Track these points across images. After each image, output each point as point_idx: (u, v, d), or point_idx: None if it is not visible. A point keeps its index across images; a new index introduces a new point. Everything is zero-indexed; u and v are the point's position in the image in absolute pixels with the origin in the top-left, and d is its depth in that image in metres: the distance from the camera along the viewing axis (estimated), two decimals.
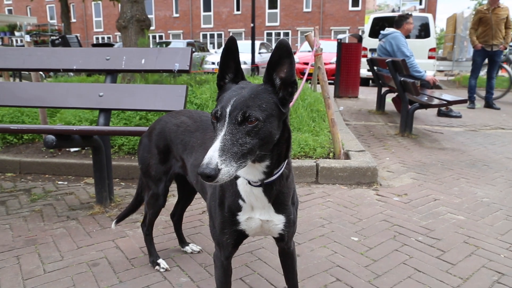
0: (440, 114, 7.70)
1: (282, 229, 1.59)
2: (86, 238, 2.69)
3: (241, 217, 1.54)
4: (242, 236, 1.60)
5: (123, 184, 3.78)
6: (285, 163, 1.45)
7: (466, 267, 2.37)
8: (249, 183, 1.44)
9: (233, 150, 1.19)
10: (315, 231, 2.82)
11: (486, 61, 8.62)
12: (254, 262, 2.40)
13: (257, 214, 1.53)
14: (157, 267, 2.30)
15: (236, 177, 1.47)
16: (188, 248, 2.52)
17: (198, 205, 3.28)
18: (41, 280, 2.18)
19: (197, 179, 1.86)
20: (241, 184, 1.48)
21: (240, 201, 1.52)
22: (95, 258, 2.42)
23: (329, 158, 4.09)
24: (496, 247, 2.60)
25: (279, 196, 1.52)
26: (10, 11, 43.75)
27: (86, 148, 4.30)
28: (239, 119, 1.22)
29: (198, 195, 3.42)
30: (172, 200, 3.15)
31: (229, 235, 1.58)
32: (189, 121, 2.02)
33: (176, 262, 2.39)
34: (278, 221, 1.56)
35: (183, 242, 2.55)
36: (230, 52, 1.39)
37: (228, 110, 1.24)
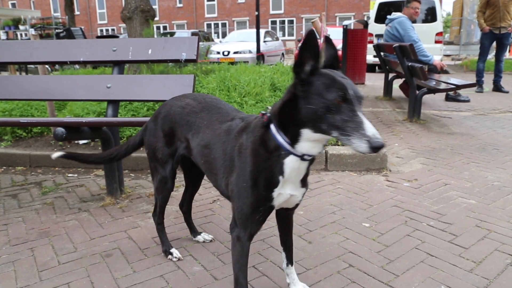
0: (448, 98, 7.64)
1: (300, 200, 1.71)
2: (99, 229, 2.71)
3: (275, 192, 1.60)
4: (271, 211, 1.68)
5: (132, 175, 3.80)
6: None
7: (479, 250, 2.36)
8: (302, 158, 1.51)
9: None
10: (326, 218, 2.83)
11: (494, 44, 8.53)
12: (266, 250, 2.41)
13: (288, 190, 1.61)
14: (170, 256, 2.31)
15: (287, 154, 1.52)
16: (200, 237, 2.53)
17: (208, 195, 3.29)
18: (56, 271, 2.20)
19: (206, 159, 1.89)
20: (290, 162, 1.53)
21: (280, 177, 1.57)
22: (108, 249, 2.44)
23: (338, 145, 4.07)
24: (508, 230, 2.59)
25: (308, 170, 1.63)
26: (13, 5, 43.74)
27: (95, 140, 4.32)
28: (360, 101, 1.38)
29: (208, 185, 3.44)
30: (181, 190, 3.15)
31: (262, 212, 1.63)
32: (194, 103, 2.05)
33: (188, 251, 2.40)
34: (300, 194, 1.68)
35: (194, 231, 2.56)
36: (309, 45, 1.40)
37: (354, 93, 1.36)
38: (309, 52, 1.39)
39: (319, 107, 1.36)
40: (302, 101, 1.40)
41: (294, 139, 1.47)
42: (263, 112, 1.60)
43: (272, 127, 1.53)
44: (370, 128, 1.29)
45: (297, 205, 1.74)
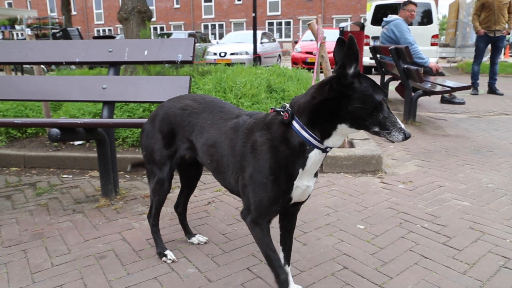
0: (443, 101, 7.67)
1: (311, 191, 1.79)
2: (93, 231, 2.70)
3: (294, 185, 1.68)
4: (289, 202, 1.74)
5: (127, 176, 3.79)
6: None
7: (472, 252, 2.37)
8: (324, 150, 1.62)
9: None
10: (321, 220, 2.83)
11: (489, 46, 8.57)
12: (260, 252, 2.40)
13: (305, 181, 1.70)
14: (164, 258, 2.31)
15: (312, 149, 1.61)
16: (194, 239, 2.52)
17: (203, 196, 3.29)
18: (49, 274, 2.19)
19: (212, 158, 1.92)
20: (314, 155, 1.62)
21: (300, 170, 1.65)
22: (102, 251, 2.43)
23: None
24: (502, 232, 2.61)
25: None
26: (10, 4, 43.57)
27: (90, 141, 4.31)
28: None
29: (203, 186, 3.43)
30: (176, 192, 3.15)
31: (280, 203, 1.71)
32: (194, 104, 2.07)
33: (183, 253, 2.40)
34: (313, 184, 1.76)
35: (189, 233, 2.55)
36: (352, 49, 1.48)
37: None
38: (352, 56, 1.48)
39: (369, 106, 1.51)
40: (350, 100, 1.51)
41: (326, 133, 1.58)
42: (278, 109, 1.66)
43: (295, 124, 1.60)
44: (401, 122, 1.56)
45: (308, 196, 1.81)
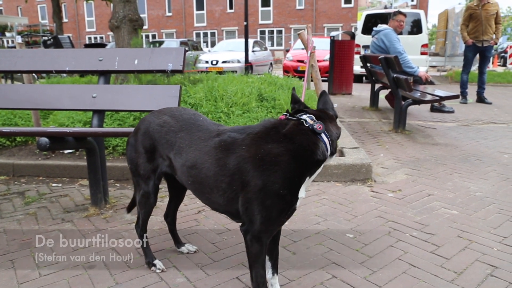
0: (433, 109, 7.73)
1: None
2: (82, 240, 2.68)
3: (299, 194, 1.74)
4: (294, 211, 1.81)
5: (117, 185, 3.77)
6: None
7: (460, 261, 2.39)
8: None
9: None
10: (311, 229, 2.84)
11: (478, 56, 8.69)
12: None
13: (304, 189, 1.76)
14: (153, 268, 2.30)
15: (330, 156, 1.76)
16: (184, 249, 2.52)
17: (194, 205, 3.28)
18: (36, 284, 2.17)
19: (194, 179, 1.90)
20: (324, 164, 1.76)
21: (307, 178, 1.73)
22: (90, 260, 2.42)
23: None
24: (489, 241, 2.63)
25: None
26: (0, 11, 43.37)
27: (80, 149, 4.28)
28: None
29: (193, 195, 3.43)
30: (166, 200, 3.14)
31: (288, 215, 1.78)
32: (172, 121, 2.05)
33: (172, 263, 2.39)
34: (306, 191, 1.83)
35: (178, 242, 2.55)
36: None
37: None
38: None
39: None
40: None
41: (336, 146, 1.80)
42: (302, 117, 1.73)
43: (323, 135, 1.70)
44: None
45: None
